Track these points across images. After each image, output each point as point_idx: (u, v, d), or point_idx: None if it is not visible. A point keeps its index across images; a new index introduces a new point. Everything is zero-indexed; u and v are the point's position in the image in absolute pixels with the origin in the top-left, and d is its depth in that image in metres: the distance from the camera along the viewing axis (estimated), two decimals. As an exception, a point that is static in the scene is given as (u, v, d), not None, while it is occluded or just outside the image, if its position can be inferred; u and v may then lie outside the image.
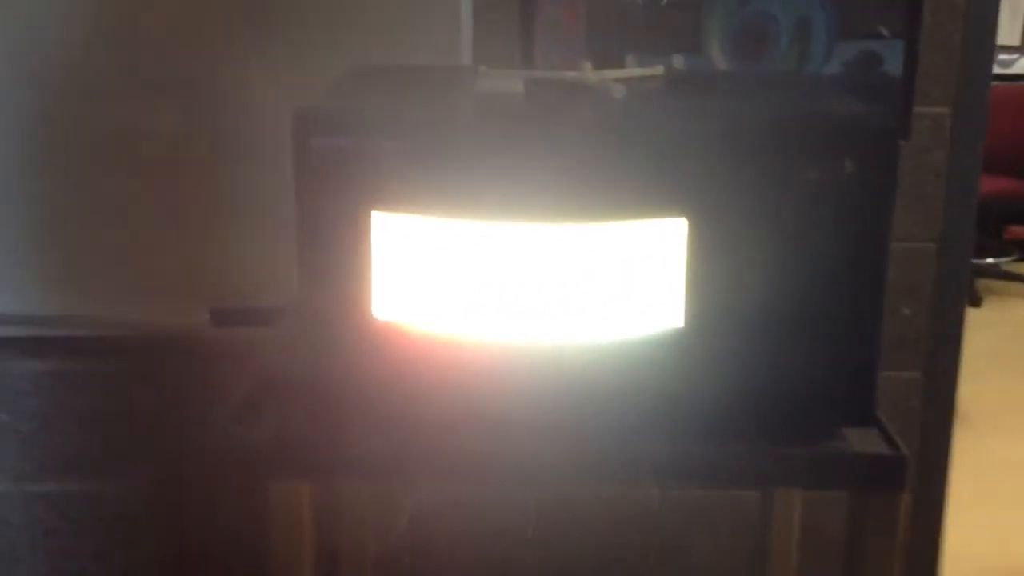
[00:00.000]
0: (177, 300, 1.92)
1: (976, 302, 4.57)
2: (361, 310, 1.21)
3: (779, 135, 1.17)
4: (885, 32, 1.82)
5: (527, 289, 1.19)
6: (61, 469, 2.04)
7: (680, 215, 1.16)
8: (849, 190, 1.16)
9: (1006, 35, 5.04)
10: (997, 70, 1.88)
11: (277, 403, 1.33)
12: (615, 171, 1.16)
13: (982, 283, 4.77)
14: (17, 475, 2.05)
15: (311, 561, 1.30)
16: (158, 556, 2.08)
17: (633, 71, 1.46)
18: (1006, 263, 4.99)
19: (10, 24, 1.83)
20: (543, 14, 1.83)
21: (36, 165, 1.89)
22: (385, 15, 1.81)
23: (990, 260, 4.89)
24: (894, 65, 1.83)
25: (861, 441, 1.22)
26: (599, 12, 1.83)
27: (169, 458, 2.01)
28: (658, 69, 1.48)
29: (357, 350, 1.23)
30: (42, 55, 1.84)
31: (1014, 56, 5.24)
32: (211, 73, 1.84)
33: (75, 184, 1.89)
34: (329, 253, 1.20)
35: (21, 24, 1.83)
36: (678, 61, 1.79)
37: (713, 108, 1.32)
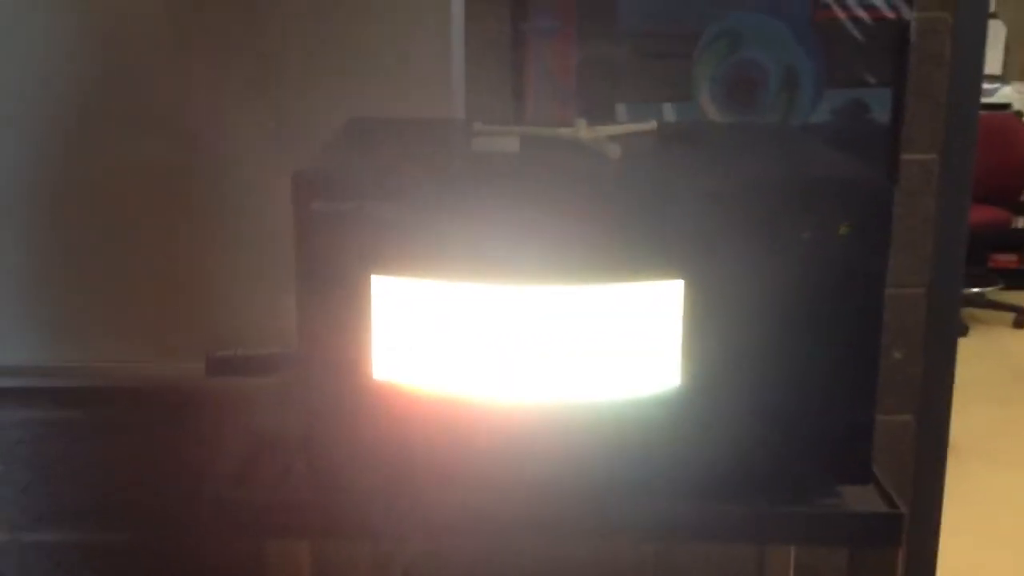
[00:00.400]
0: (172, 349, 1.92)
1: (962, 332, 4.59)
2: (360, 371, 1.22)
3: (775, 197, 1.18)
4: (872, 80, 1.84)
5: (524, 350, 1.20)
6: (56, 519, 2.03)
7: (677, 277, 1.18)
8: (844, 251, 1.17)
9: (988, 64, 5.09)
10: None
11: (274, 462, 1.34)
12: (612, 234, 1.18)
13: (968, 312, 4.80)
14: (12, 525, 2.04)
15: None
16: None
17: (627, 127, 1.47)
18: (991, 292, 5.03)
19: (6, 74, 1.84)
20: (534, 65, 1.85)
21: (29, 214, 1.89)
22: (378, 68, 1.82)
23: (975, 289, 4.92)
24: (881, 113, 1.85)
25: (858, 499, 1.23)
26: (590, 62, 1.85)
27: (164, 511, 2.01)
28: (651, 124, 1.50)
29: (356, 410, 1.23)
30: (39, 107, 1.85)
31: (996, 85, 5.29)
32: (208, 123, 1.86)
33: (68, 233, 1.90)
34: (329, 314, 1.21)
35: (18, 75, 1.84)
36: (668, 111, 1.81)
37: (708, 168, 1.34)
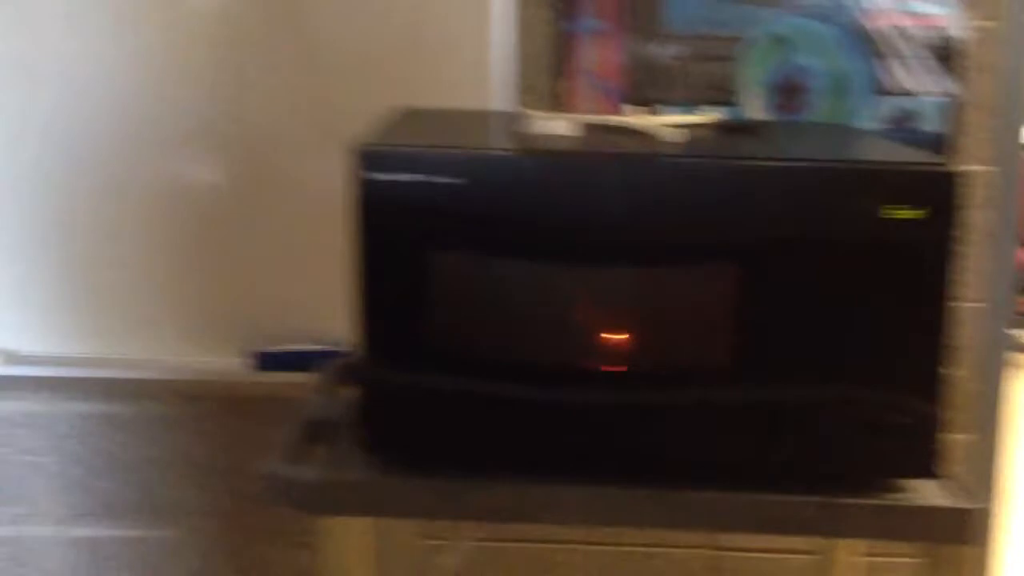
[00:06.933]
0: (219, 344, 1.91)
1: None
2: (418, 347, 1.18)
3: (844, 180, 1.15)
4: (922, 89, 1.82)
5: (582, 327, 1.17)
6: (101, 513, 2.01)
7: (738, 258, 1.15)
8: (915, 237, 1.14)
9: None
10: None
11: (329, 443, 1.30)
12: (676, 213, 1.15)
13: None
14: (56, 519, 2.02)
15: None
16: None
17: (688, 117, 1.45)
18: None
19: (49, 68, 1.83)
20: (576, 65, 1.83)
21: (75, 207, 1.88)
22: (415, 63, 1.81)
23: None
24: (929, 122, 1.83)
25: (928, 493, 1.19)
26: (632, 64, 1.82)
27: (213, 501, 1.98)
28: (712, 116, 1.47)
29: (413, 387, 1.20)
30: (82, 103, 1.84)
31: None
32: (250, 117, 1.84)
33: (115, 226, 1.89)
34: (386, 290, 1.17)
35: (60, 68, 1.83)
36: (715, 113, 1.79)
37: (773, 155, 1.31)
